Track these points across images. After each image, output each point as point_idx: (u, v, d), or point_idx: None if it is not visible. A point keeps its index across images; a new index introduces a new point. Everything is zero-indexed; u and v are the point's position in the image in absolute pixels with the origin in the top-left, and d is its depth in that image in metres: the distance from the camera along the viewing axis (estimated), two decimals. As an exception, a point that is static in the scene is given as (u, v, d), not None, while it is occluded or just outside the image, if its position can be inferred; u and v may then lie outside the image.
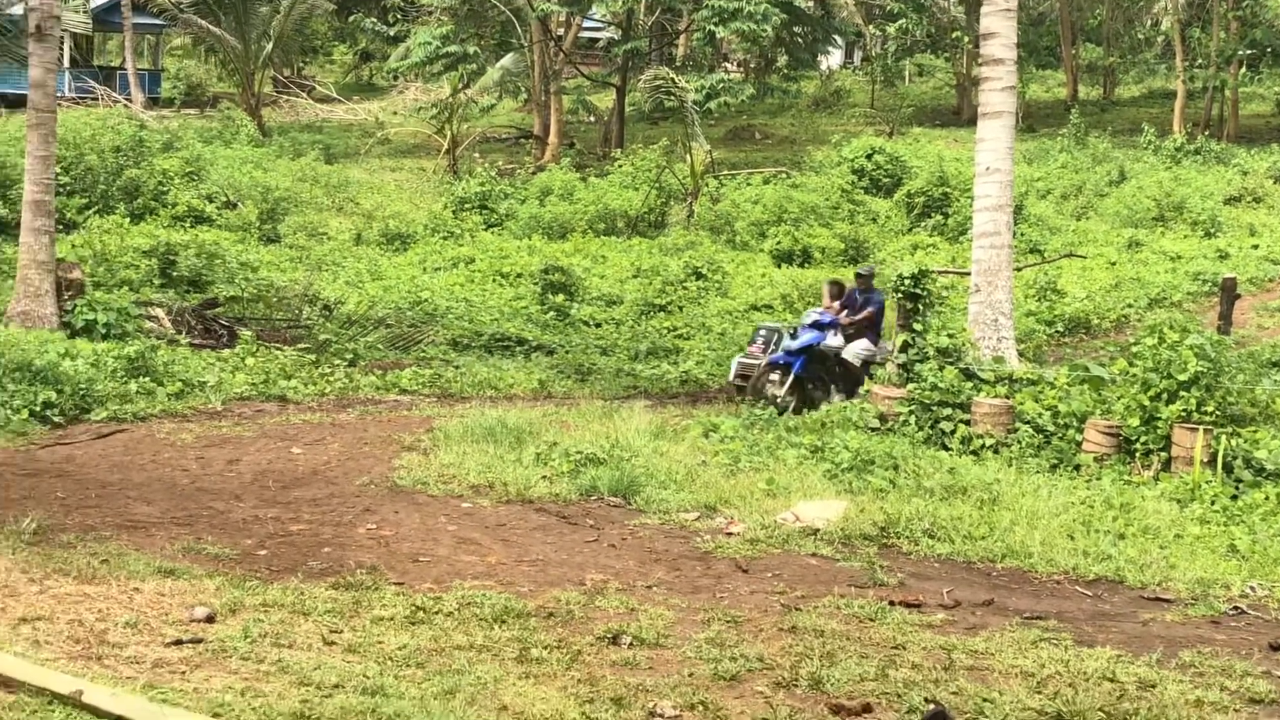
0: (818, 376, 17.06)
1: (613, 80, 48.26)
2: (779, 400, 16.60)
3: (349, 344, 19.88)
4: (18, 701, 6.40)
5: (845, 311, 17.51)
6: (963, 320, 17.29)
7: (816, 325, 17.11)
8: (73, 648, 7.31)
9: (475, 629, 8.15)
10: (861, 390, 16.30)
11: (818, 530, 11.14)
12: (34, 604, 8.00)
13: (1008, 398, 14.49)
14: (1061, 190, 37.50)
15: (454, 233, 31.99)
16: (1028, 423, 14.05)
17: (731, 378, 17.90)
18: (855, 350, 17.06)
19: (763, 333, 18.00)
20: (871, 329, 17.37)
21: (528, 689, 7.15)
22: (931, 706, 7.05)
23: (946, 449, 13.85)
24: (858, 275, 18.18)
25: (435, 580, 9.32)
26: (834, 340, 17.14)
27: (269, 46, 47.10)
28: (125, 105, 45.17)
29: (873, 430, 14.39)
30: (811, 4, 50.63)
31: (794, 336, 17.19)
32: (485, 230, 32.98)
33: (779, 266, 29.10)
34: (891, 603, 9.22)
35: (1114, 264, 29.31)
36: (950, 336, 15.50)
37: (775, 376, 16.89)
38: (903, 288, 16.16)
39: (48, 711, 6.34)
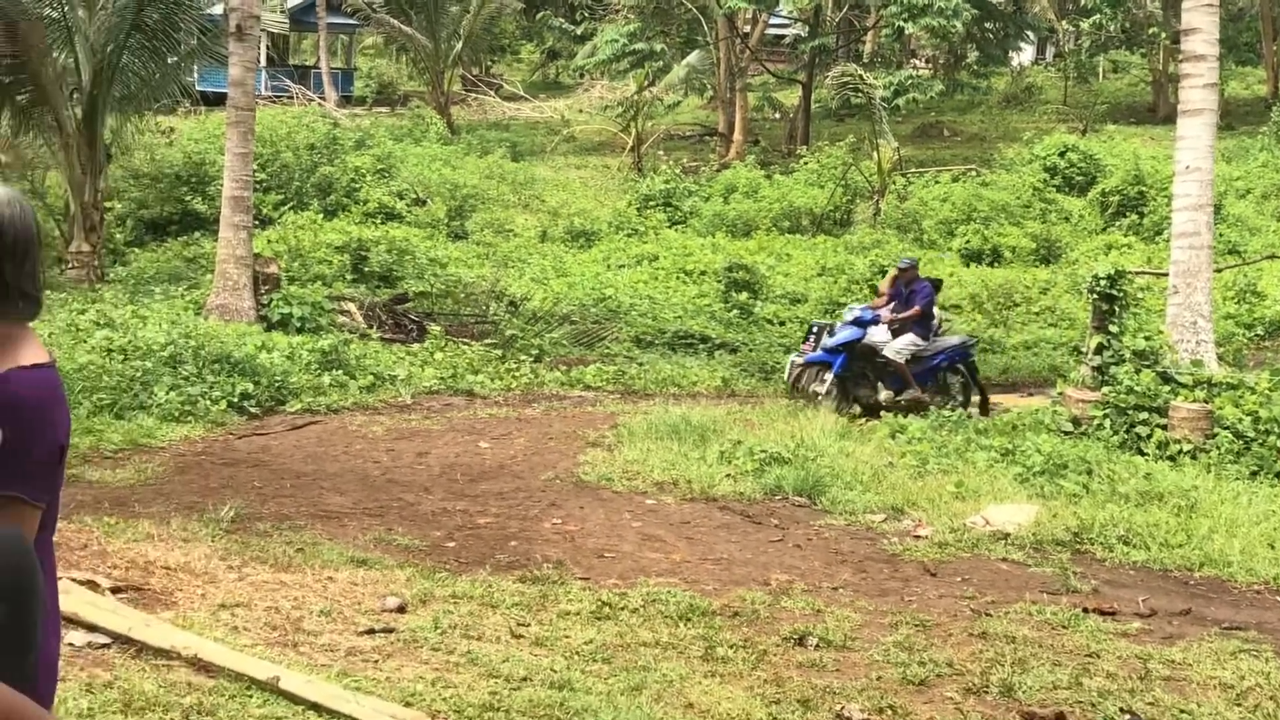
0: (862, 374, 16.62)
1: (799, 77, 48.05)
2: (819, 400, 16.27)
3: (534, 340, 20.09)
4: (217, 686, 6.57)
5: (893, 305, 16.96)
6: (1160, 322, 16.82)
7: (857, 322, 16.64)
8: (269, 634, 7.48)
9: (660, 626, 8.15)
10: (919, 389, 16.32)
11: (1008, 534, 10.93)
12: (233, 591, 8.21)
13: (1206, 402, 14.07)
14: (1262, 190, 36.30)
15: (638, 230, 32.07)
16: (1227, 428, 13.62)
17: (788, 378, 17.18)
18: (898, 346, 16.49)
19: (815, 330, 17.37)
20: (919, 323, 16.76)
21: (714, 688, 7.13)
22: (1127, 717, 6.89)
23: (1142, 454, 13.49)
24: (900, 268, 17.35)
25: (620, 576, 9.36)
26: (879, 335, 16.62)
27: (458, 45, 47.83)
28: (319, 103, 46.14)
29: (1065, 434, 14.08)
30: (1003, -1, 49.93)
31: (833, 335, 16.78)
32: (669, 228, 32.96)
33: (967, 266, 28.67)
34: (1085, 610, 9.00)
35: (1317, 266, 28.31)
36: (1147, 339, 15.10)
37: (826, 375, 16.52)
38: (1098, 289, 15.76)
39: (245, 697, 6.49)
